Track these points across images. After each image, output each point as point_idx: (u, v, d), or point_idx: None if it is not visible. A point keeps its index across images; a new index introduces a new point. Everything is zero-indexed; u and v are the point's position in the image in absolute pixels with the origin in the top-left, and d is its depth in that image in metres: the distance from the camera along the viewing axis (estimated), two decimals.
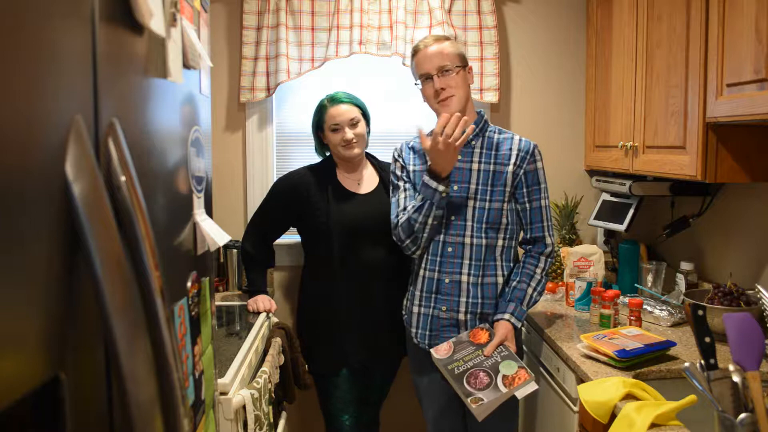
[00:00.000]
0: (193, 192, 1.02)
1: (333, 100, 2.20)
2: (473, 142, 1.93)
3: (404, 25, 2.59)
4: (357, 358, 2.21)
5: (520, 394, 1.72)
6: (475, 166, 1.91)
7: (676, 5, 1.91)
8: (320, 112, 2.22)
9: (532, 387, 1.73)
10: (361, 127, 2.20)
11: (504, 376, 1.74)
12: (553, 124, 2.78)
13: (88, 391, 0.63)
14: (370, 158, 2.36)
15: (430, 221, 1.87)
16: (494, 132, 1.97)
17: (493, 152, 1.91)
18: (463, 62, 1.92)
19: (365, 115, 2.25)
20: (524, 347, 2.24)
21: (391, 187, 2.09)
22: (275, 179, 2.68)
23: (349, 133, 2.16)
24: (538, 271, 1.93)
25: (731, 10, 1.63)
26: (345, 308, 2.20)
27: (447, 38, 1.95)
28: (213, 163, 1.24)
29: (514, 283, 1.90)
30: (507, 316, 1.85)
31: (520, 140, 1.94)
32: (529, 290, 1.90)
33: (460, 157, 1.91)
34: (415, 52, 1.93)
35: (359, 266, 2.20)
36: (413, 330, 2.00)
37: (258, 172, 2.72)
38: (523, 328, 2.23)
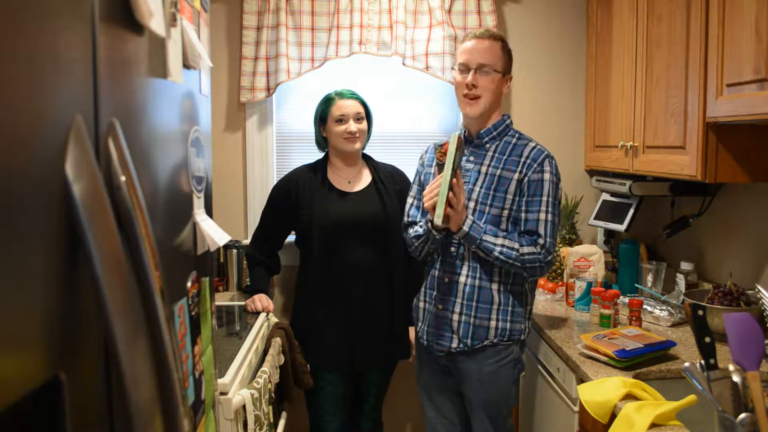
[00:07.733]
0: (193, 192, 1.02)
1: (341, 94, 2.25)
2: (488, 145, 1.89)
3: (404, 25, 2.59)
4: (342, 362, 2.21)
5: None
6: (483, 169, 1.87)
7: (676, 5, 1.91)
8: (327, 103, 2.25)
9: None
10: (364, 124, 2.26)
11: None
12: (553, 124, 2.78)
13: (88, 391, 0.63)
14: (366, 158, 2.36)
15: (426, 248, 1.92)
16: (513, 137, 1.90)
17: (504, 157, 1.86)
18: (505, 69, 1.87)
19: (368, 115, 2.29)
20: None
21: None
22: (275, 179, 2.69)
23: (353, 126, 2.20)
24: (520, 245, 1.78)
25: (731, 10, 1.63)
26: (329, 308, 2.20)
27: (503, 39, 1.89)
28: (213, 163, 1.24)
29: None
30: (471, 217, 1.78)
31: (533, 148, 1.85)
32: (499, 240, 1.78)
33: (472, 158, 1.90)
34: (465, 38, 1.89)
35: (343, 265, 2.19)
36: (418, 324, 2.01)
37: (258, 172, 2.72)
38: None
